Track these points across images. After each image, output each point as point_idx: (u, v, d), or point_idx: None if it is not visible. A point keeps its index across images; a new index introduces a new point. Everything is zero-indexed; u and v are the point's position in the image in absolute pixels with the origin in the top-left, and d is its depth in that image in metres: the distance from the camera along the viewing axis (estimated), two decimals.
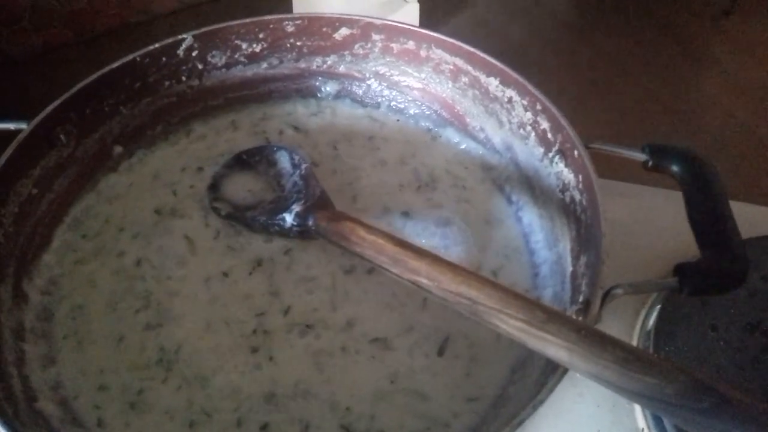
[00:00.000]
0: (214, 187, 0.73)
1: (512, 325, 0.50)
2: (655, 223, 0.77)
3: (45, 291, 0.65)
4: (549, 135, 0.68)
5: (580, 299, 0.57)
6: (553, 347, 0.48)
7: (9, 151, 0.62)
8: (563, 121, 0.64)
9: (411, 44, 0.77)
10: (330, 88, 0.83)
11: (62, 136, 0.68)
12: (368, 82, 0.82)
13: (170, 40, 0.74)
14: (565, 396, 0.65)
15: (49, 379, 0.59)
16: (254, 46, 0.79)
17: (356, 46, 0.79)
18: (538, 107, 0.68)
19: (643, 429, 0.63)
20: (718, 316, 0.68)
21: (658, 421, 0.62)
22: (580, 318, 0.54)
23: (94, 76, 0.70)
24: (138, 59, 0.72)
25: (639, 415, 0.64)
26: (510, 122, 0.73)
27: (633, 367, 0.44)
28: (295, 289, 0.65)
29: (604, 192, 0.59)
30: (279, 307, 0.64)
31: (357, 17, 0.78)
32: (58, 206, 0.70)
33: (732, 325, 0.67)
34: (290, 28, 0.78)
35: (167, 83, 0.76)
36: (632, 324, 0.71)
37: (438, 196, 0.74)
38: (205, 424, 0.57)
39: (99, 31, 1.11)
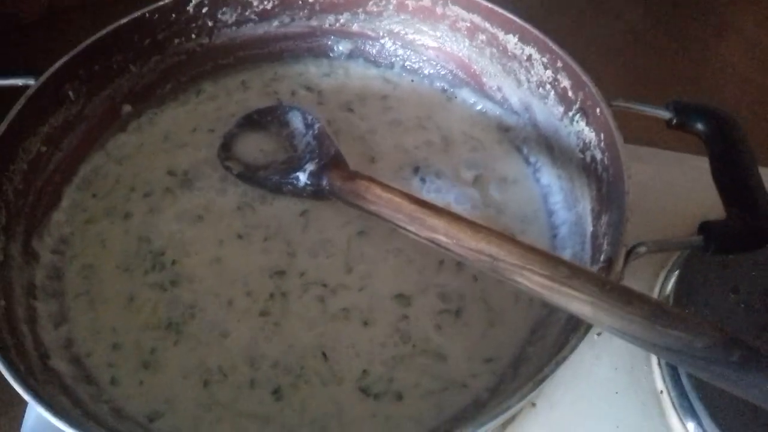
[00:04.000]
0: (226, 146, 0.71)
1: (535, 282, 0.49)
2: (676, 186, 0.75)
3: (55, 250, 0.64)
4: (570, 93, 0.66)
5: (602, 258, 0.56)
6: (576, 303, 0.47)
7: (17, 107, 0.61)
8: (585, 78, 0.63)
9: (426, 1, 0.75)
10: (343, 47, 0.81)
11: (71, 93, 0.67)
12: (382, 41, 0.80)
13: None
14: (583, 358, 0.65)
15: (61, 337, 0.59)
16: (265, 2, 0.77)
17: (370, 3, 0.77)
18: (559, 65, 0.66)
19: (661, 391, 0.62)
20: (739, 279, 0.67)
21: (676, 382, 0.61)
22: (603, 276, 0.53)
23: (103, 32, 0.68)
24: (147, 15, 0.71)
25: (657, 376, 0.63)
26: (529, 81, 0.71)
27: (660, 322, 0.43)
28: (311, 251, 0.64)
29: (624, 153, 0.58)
30: (294, 269, 0.63)
31: None
32: (67, 165, 0.69)
33: (753, 287, 0.66)
34: None
35: (177, 41, 0.75)
36: (651, 288, 0.70)
37: (454, 157, 0.73)
38: (220, 384, 0.57)
39: None
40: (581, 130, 0.65)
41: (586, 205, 0.63)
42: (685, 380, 0.60)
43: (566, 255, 0.63)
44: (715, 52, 1.15)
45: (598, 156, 0.62)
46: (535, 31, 0.68)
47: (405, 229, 0.57)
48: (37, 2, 1.08)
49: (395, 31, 0.79)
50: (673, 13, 1.21)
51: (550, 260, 0.49)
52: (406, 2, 0.76)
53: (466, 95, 0.78)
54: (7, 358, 0.49)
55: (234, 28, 0.78)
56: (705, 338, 0.42)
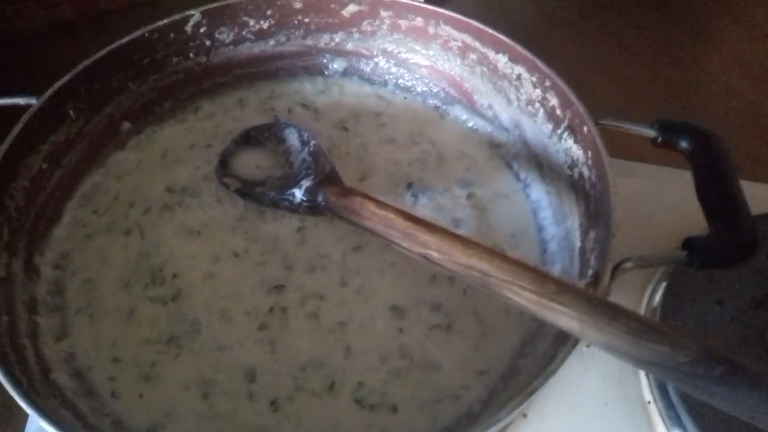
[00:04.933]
0: (224, 162, 0.73)
1: (524, 297, 0.50)
2: (663, 200, 0.77)
3: (56, 265, 0.66)
4: (558, 111, 0.68)
5: (590, 273, 0.57)
6: (564, 318, 0.48)
7: (19, 126, 0.62)
8: (573, 97, 0.65)
9: (419, 21, 0.77)
10: (337, 65, 0.83)
11: (71, 112, 0.69)
12: (376, 60, 0.82)
13: (178, 15, 0.74)
14: (573, 370, 0.66)
15: (62, 352, 0.60)
16: (262, 22, 0.78)
17: (364, 23, 0.79)
18: (547, 84, 0.68)
19: (649, 401, 0.64)
20: (725, 291, 0.68)
21: (664, 393, 0.63)
22: (590, 291, 0.54)
23: (103, 51, 0.70)
24: (146, 35, 0.72)
25: (645, 388, 0.65)
26: (518, 99, 0.73)
27: (645, 337, 0.45)
28: (308, 266, 0.66)
29: (611, 171, 0.59)
30: (292, 284, 0.64)
31: None
32: (68, 182, 0.70)
33: (738, 300, 0.68)
34: (298, 5, 0.78)
35: (175, 60, 0.76)
36: (638, 300, 0.71)
37: (446, 173, 0.74)
38: (219, 396, 0.58)
39: (103, 10, 1.10)
40: (569, 148, 0.67)
41: (574, 221, 0.65)
42: (672, 391, 0.62)
43: (556, 270, 0.65)
44: (703, 65, 1.17)
45: (586, 173, 0.64)
46: (525, 51, 0.70)
47: (398, 244, 0.58)
48: (35, 17, 1.10)
49: (389, 49, 0.81)
50: (663, 28, 1.24)
51: (538, 276, 0.50)
52: (399, 22, 0.78)
53: (458, 112, 0.80)
54: (9, 372, 0.50)
55: (231, 47, 0.79)
56: (688, 352, 0.43)
